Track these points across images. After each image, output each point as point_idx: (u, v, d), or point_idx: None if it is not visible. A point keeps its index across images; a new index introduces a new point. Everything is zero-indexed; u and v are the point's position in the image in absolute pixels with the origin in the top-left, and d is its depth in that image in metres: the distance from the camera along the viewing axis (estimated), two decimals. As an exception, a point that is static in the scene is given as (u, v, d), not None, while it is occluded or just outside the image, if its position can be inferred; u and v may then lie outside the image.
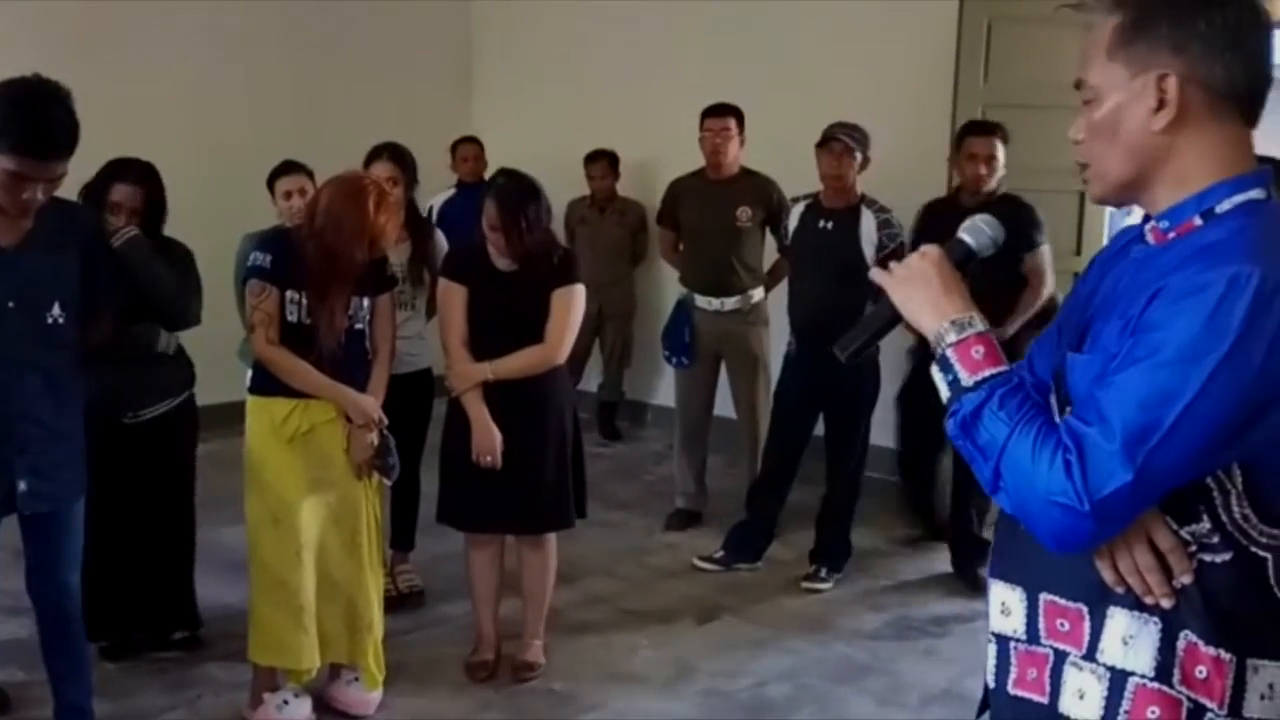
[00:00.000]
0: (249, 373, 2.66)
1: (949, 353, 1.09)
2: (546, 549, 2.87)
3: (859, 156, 3.36)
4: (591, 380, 5.16)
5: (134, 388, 2.73)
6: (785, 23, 4.66)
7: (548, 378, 2.73)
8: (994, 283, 3.06)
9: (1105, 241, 2.83)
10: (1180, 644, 1.06)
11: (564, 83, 5.46)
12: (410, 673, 2.82)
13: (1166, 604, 1.05)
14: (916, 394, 3.55)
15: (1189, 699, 1.06)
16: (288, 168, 3.26)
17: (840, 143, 3.34)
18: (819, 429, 3.61)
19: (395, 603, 3.10)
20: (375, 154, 3.19)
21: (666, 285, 4.74)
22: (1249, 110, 1.08)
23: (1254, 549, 1.05)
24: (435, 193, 4.44)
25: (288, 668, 2.56)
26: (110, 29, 4.62)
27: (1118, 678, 1.08)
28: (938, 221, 3.18)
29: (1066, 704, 1.11)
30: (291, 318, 2.48)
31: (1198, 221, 1.07)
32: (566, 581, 3.22)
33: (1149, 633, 1.06)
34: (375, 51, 5.45)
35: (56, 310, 2.14)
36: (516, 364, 2.68)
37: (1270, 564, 1.05)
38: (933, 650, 3.08)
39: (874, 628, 3.23)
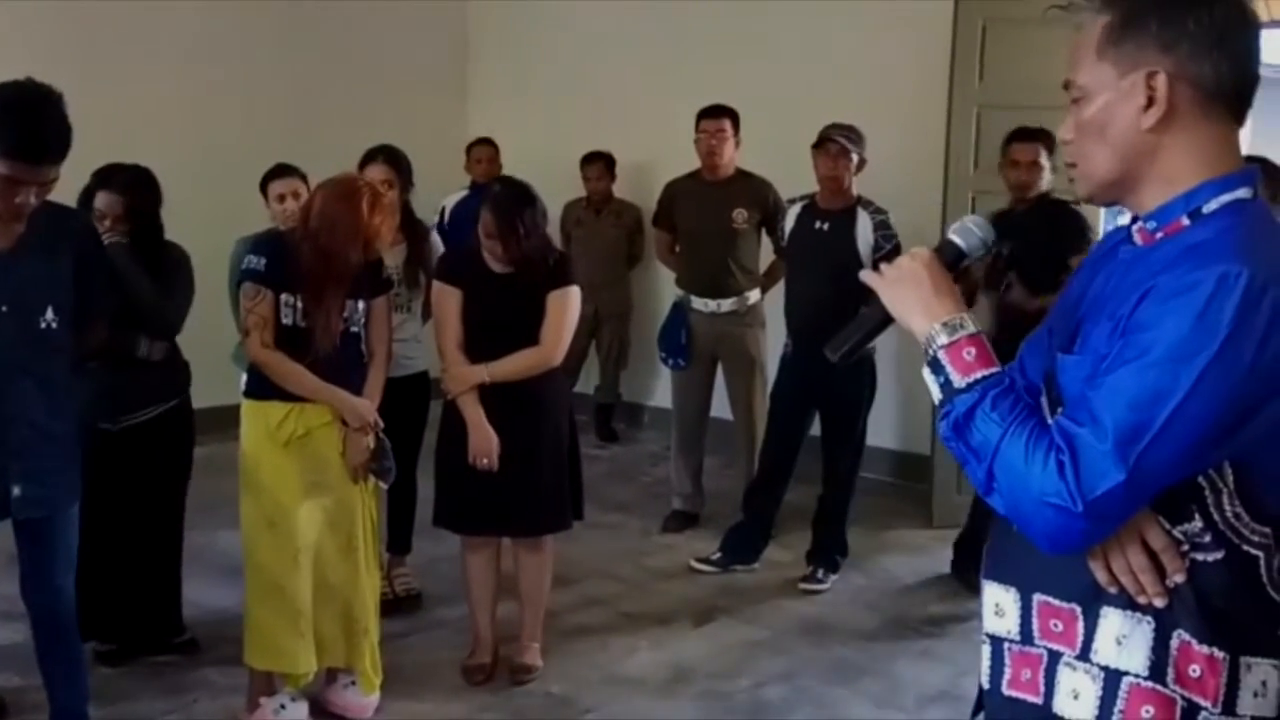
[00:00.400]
0: (243, 376, 2.66)
1: (940, 354, 1.09)
2: (543, 551, 2.87)
3: (855, 158, 3.36)
4: (588, 382, 5.16)
5: (120, 393, 2.73)
6: (780, 24, 4.67)
7: (544, 380, 2.73)
8: (1041, 286, 3.07)
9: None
10: (1174, 643, 1.06)
11: (560, 84, 5.46)
12: (407, 676, 2.81)
13: (1160, 603, 1.06)
14: None
15: (1183, 698, 1.06)
16: (281, 170, 3.25)
17: (836, 144, 3.34)
18: (815, 429, 3.61)
19: (392, 606, 3.10)
20: (370, 156, 3.19)
21: (663, 287, 4.75)
22: (1236, 109, 1.08)
23: (1245, 547, 1.06)
24: (430, 195, 4.44)
25: (284, 672, 2.56)
26: (103, 32, 4.62)
27: (1112, 677, 1.08)
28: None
29: (1061, 704, 1.11)
30: (286, 321, 2.47)
31: (1185, 221, 1.07)
32: (563, 584, 3.22)
33: (1142, 632, 1.07)
34: (370, 53, 5.44)
35: (50, 314, 2.13)
36: (513, 366, 2.67)
37: (1262, 562, 1.06)
38: (929, 651, 3.08)
39: (871, 628, 3.23)
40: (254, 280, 2.48)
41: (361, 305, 2.57)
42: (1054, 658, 1.12)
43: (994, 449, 1.04)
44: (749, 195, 3.88)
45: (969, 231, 1.21)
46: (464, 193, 4.68)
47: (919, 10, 4.18)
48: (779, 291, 3.73)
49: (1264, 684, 1.06)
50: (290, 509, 2.48)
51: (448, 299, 2.72)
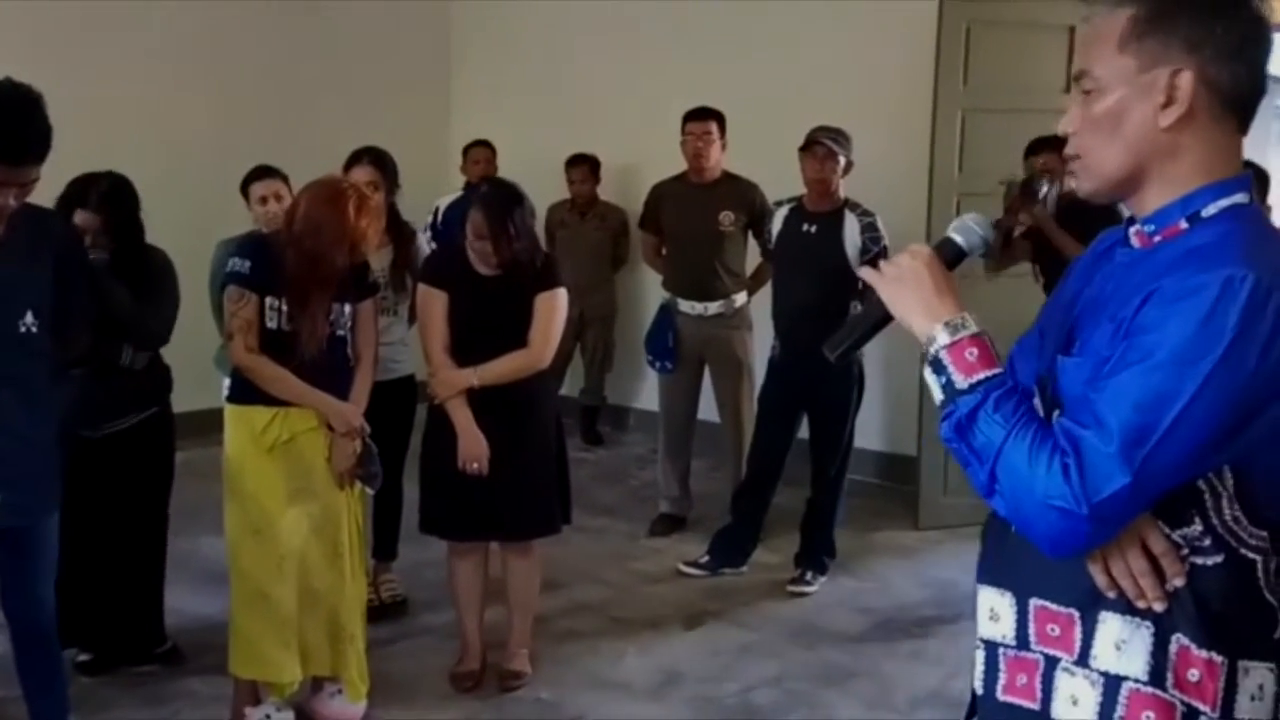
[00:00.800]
0: (225, 381, 2.62)
1: (942, 354, 1.08)
2: (532, 556, 2.85)
3: (842, 160, 3.37)
4: (572, 385, 5.14)
5: (102, 400, 2.69)
6: (766, 26, 4.67)
7: (532, 382, 2.72)
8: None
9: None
10: (1172, 647, 1.06)
11: (544, 86, 5.44)
12: (394, 684, 2.79)
13: (1159, 607, 1.05)
14: None
15: (1182, 703, 1.06)
16: (262, 172, 3.22)
17: (824, 146, 3.35)
18: (803, 432, 3.61)
19: (378, 613, 3.07)
20: (355, 158, 3.16)
21: (648, 289, 4.74)
22: (1244, 117, 1.08)
23: (1244, 551, 1.06)
24: (413, 198, 4.40)
25: (270, 681, 2.52)
26: (81, 32, 4.56)
27: (1111, 683, 1.07)
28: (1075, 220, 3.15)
29: (1059, 710, 1.11)
30: (271, 325, 2.45)
31: (1183, 225, 1.07)
32: (551, 588, 3.20)
33: (1142, 637, 1.06)
34: (353, 55, 5.40)
35: (29, 319, 2.10)
36: (502, 369, 2.65)
37: (1259, 566, 1.06)
38: (918, 652, 3.09)
39: (860, 630, 3.24)
40: (238, 283, 2.45)
41: (348, 309, 2.54)
42: (1051, 663, 1.12)
43: (997, 451, 1.03)
44: (735, 198, 3.88)
45: (969, 230, 1.20)
46: (458, 194, 4.65)
47: (903, 12, 4.19)
48: (766, 294, 3.73)
49: (1260, 687, 1.06)
50: (275, 515, 2.45)
51: (433, 302, 2.70)
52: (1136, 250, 1.12)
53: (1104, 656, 1.08)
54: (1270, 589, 1.06)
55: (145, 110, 4.68)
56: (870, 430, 4.00)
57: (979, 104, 3.83)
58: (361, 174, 3.05)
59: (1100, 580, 1.07)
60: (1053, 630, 1.12)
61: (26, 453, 2.13)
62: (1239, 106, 1.07)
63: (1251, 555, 1.06)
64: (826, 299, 3.38)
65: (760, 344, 3.85)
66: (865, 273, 1.18)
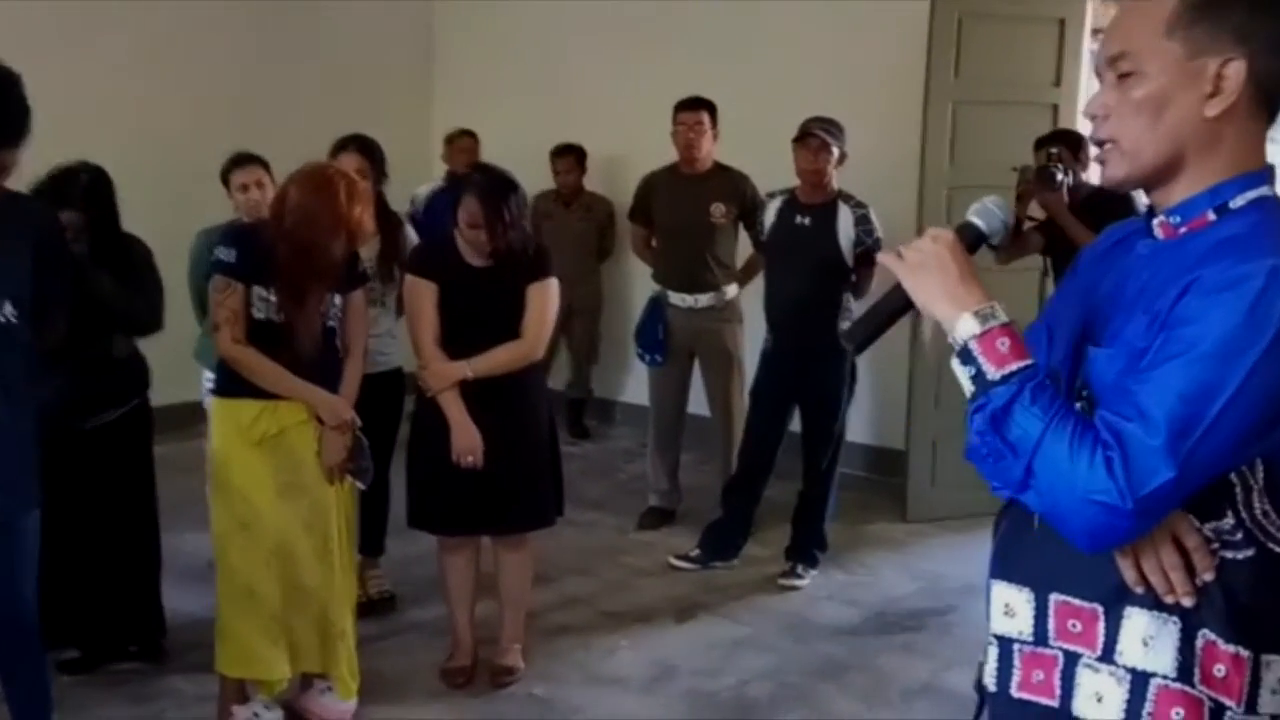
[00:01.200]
0: (205, 373, 2.56)
1: (972, 345, 1.06)
2: (524, 550, 2.82)
3: (836, 151, 3.35)
4: (558, 378, 5.10)
5: (85, 394, 2.63)
6: (756, 18, 4.64)
7: (524, 374, 2.68)
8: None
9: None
10: (1199, 643, 1.05)
11: (530, 76, 5.38)
12: (385, 681, 2.74)
13: (1188, 602, 1.04)
14: None
15: (1210, 698, 1.05)
16: (243, 160, 3.15)
17: (817, 138, 3.32)
18: (794, 425, 3.60)
19: (366, 609, 3.01)
20: (342, 145, 3.10)
21: (634, 281, 4.70)
22: (1272, 113, 1.08)
23: (1271, 545, 1.05)
24: (395, 189, 4.34)
25: (258, 679, 2.48)
26: (58, 22, 4.44)
27: (1139, 679, 1.06)
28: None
29: (1081, 707, 1.10)
30: (259, 315, 2.38)
31: (1211, 216, 1.06)
32: (542, 582, 3.17)
33: (1169, 632, 1.05)
34: (335, 45, 5.32)
35: (8, 309, 2.03)
36: (495, 361, 2.61)
37: (1285, 559, 1.05)
38: (911, 645, 3.09)
39: (853, 623, 3.23)
40: (224, 273, 2.39)
41: (338, 300, 2.48)
42: (1071, 659, 1.10)
43: (1035, 444, 1.01)
44: (727, 189, 3.85)
45: (990, 213, 1.17)
46: (438, 183, 4.58)
47: (895, 5, 4.18)
48: (756, 286, 3.71)
49: None
50: (263, 511, 2.39)
51: (423, 293, 2.65)
52: (1160, 241, 1.10)
53: (1130, 653, 1.07)
54: None
55: (124, 100, 4.57)
56: (858, 423, 3.98)
57: (970, 96, 3.83)
58: (349, 162, 2.98)
59: (1129, 575, 1.06)
60: (1074, 626, 1.10)
61: (5, 447, 2.06)
62: (1275, 101, 1.06)
63: (1278, 549, 1.05)
64: (819, 291, 3.36)
65: (751, 337, 3.83)
66: (885, 258, 1.15)
